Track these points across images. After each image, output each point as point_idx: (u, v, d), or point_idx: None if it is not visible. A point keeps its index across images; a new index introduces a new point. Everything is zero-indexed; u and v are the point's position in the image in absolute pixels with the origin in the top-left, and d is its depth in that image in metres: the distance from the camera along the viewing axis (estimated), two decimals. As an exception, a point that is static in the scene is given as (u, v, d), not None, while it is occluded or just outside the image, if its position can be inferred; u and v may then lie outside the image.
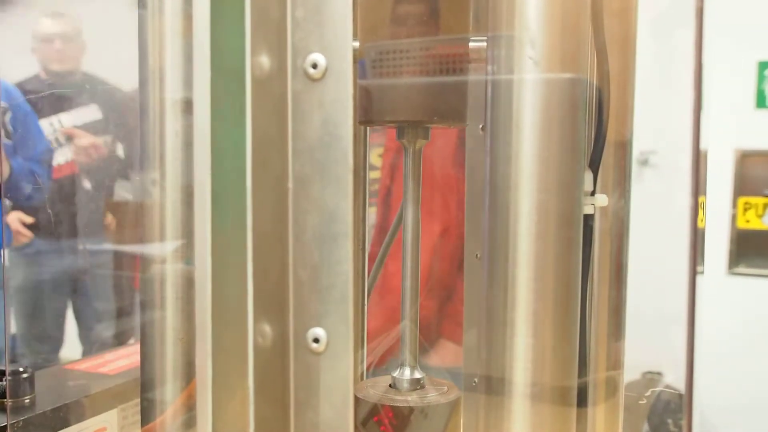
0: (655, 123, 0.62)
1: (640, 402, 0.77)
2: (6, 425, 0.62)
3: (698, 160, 0.41)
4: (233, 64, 0.36)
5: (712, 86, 0.41)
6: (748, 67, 2.54)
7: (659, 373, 0.85)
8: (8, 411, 0.64)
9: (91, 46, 1.84)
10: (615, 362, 0.56)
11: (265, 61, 0.37)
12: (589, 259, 0.47)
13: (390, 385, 0.52)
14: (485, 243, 0.43)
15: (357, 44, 0.47)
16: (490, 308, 0.42)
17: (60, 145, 1.76)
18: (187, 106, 0.42)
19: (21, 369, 0.67)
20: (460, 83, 0.47)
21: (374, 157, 1.18)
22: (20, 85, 1.79)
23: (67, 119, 1.76)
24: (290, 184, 0.38)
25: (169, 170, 0.44)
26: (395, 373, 0.52)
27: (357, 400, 0.50)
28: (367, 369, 0.62)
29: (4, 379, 0.65)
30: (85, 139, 1.71)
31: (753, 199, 2.56)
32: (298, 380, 0.38)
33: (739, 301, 2.48)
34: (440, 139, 0.95)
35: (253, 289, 0.37)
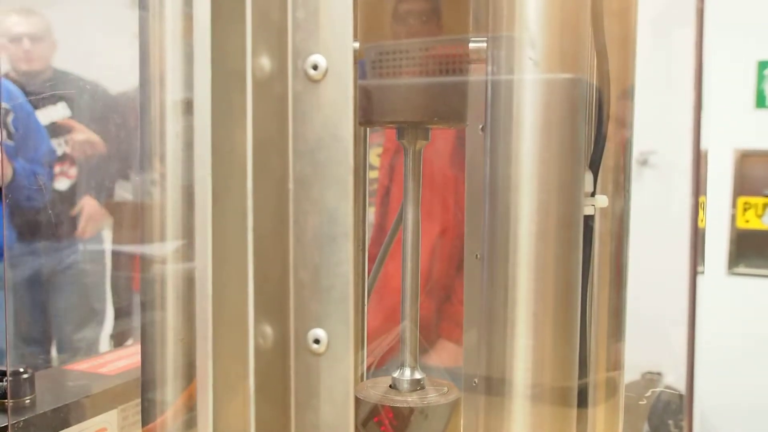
0: (655, 123, 0.62)
1: (640, 402, 0.77)
2: (7, 425, 0.62)
3: (698, 160, 0.41)
4: (234, 65, 0.36)
5: (711, 86, 0.42)
6: (748, 67, 2.54)
7: (659, 374, 0.85)
8: (9, 411, 0.64)
9: (64, 42, 1.81)
10: (615, 363, 0.56)
11: (265, 62, 0.37)
12: (590, 259, 0.47)
13: (390, 386, 0.52)
14: (485, 243, 0.43)
15: (357, 45, 0.48)
16: (490, 309, 0.42)
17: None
18: (188, 107, 0.42)
19: (21, 369, 0.67)
20: (460, 84, 0.47)
21: (372, 156, 1.18)
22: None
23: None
24: (291, 185, 0.38)
25: (170, 171, 0.44)
26: (395, 374, 0.52)
27: (357, 400, 0.50)
28: (368, 369, 0.62)
29: (4, 379, 0.65)
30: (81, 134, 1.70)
31: (753, 199, 2.56)
32: (299, 381, 0.38)
33: (739, 301, 2.48)
34: (440, 139, 0.96)
35: (253, 290, 0.37)
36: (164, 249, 0.45)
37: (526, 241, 0.41)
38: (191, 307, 0.43)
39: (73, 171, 1.73)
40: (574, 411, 0.43)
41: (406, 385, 0.51)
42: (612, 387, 0.56)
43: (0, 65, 1.70)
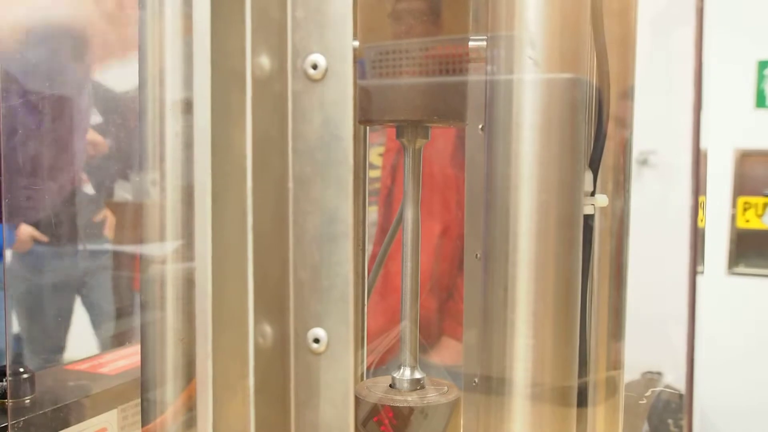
0: (655, 122, 0.62)
1: (640, 402, 0.77)
2: (6, 425, 0.62)
3: (698, 159, 0.41)
4: (233, 64, 0.36)
5: (712, 86, 0.41)
6: (748, 66, 2.54)
7: (659, 373, 0.85)
8: (9, 411, 0.64)
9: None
10: (615, 362, 0.56)
11: (265, 61, 0.37)
12: (589, 259, 0.47)
13: (390, 386, 0.52)
14: (485, 243, 0.43)
15: (357, 44, 0.48)
16: (490, 308, 0.42)
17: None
18: (188, 107, 0.42)
19: (21, 369, 0.67)
20: (459, 83, 0.47)
21: (374, 156, 1.18)
22: None
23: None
24: (290, 185, 0.38)
25: (169, 171, 0.44)
26: (395, 374, 0.52)
27: (357, 400, 0.50)
28: (368, 369, 0.62)
29: (4, 379, 0.65)
30: None
31: (753, 199, 2.56)
32: (299, 380, 0.38)
33: (739, 300, 2.48)
34: (442, 138, 0.96)
35: (253, 290, 0.37)
36: (164, 249, 0.45)
37: (526, 240, 0.41)
38: (191, 307, 0.43)
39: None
40: (574, 410, 0.43)
41: (406, 385, 0.51)
42: (612, 386, 0.56)
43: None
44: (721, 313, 2.28)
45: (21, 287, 1.16)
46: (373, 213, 1.15)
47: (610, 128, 0.51)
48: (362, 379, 0.57)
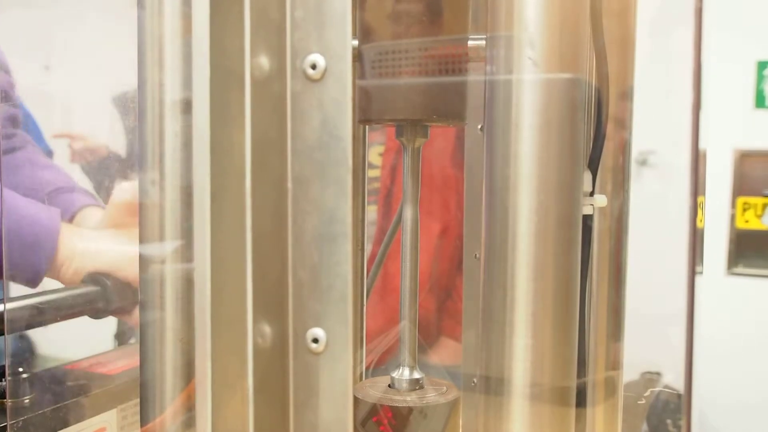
0: (654, 123, 0.62)
1: (639, 402, 0.77)
2: (6, 425, 0.62)
3: (697, 160, 0.41)
4: (232, 64, 0.36)
5: (711, 86, 0.42)
6: (748, 66, 2.54)
7: (658, 373, 0.85)
8: (8, 411, 0.64)
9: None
10: (614, 362, 0.56)
11: (264, 61, 0.37)
12: (588, 259, 0.47)
13: (389, 386, 0.52)
14: (484, 243, 0.43)
15: (356, 44, 0.48)
16: (489, 308, 0.43)
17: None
18: (187, 107, 0.42)
19: (20, 369, 0.67)
20: (458, 83, 0.47)
21: (374, 155, 1.18)
22: None
23: None
24: (289, 185, 0.38)
25: (168, 171, 0.44)
26: (394, 374, 0.52)
27: (356, 400, 0.50)
28: (367, 369, 0.62)
29: (4, 379, 0.65)
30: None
31: (752, 199, 2.56)
32: (298, 380, 0.38)
33: (738, 301, 2.49)
34: (443, 138, 0.96)
35: (252, 290, 0.37)
36: (163, 249, 0.45)
37: (525, 240, 0.41)
38: (190, 307, 0.43)
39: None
40: (573, 410, 0.43)
41: (404, 385, 0.51)
42: (611, 386, 0.56)
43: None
44: (721, 313, 2.28)
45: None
46: (372, 212, 1.15)
47: (610, 128, 0.51)
48: (361, 379, 0.57)
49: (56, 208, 0.76)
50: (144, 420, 0.46)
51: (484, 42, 0.45)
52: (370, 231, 0.61)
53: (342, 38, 0.36)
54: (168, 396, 0.45)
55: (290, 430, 0.38)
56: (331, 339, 0.37)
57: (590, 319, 0.54)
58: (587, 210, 0.46)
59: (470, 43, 0.47)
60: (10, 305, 0.66)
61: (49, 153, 1.72)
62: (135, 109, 0.44)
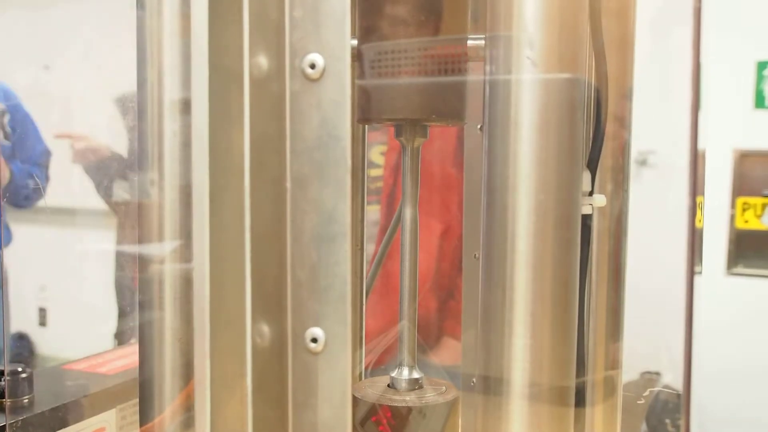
0: (654, 123, 0.62)
1: (639, 402, 0.77)
2: (5, 425, 0.62)
3: (696, 160, 0.41)
4: (231, 64, 0.36)
5: (710, 86, 0.42)
6: (747, 67, 2.54)
7: (657, 373, 0.85)
8: (7, 411, 0.64)
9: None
10: (613, 362, 0.56)
11: (263, 61, 0.37)
12: (588, 259, 0.47)
13: (388, 385, 0.52)
14: (483, 243, 0.43)
15: (355, 43, 0.47)
16: (489, 308, 0.42)
17: None
18: (185, 107, 0.42)
19: (20, 369, 0.67)
20: (458, 82, 0.47)
21: (376, 154, 1.18)
22: None
23: None
24: (288, 185, 0.38)
25: (167, 170, 0.44)
26: (393, 373, 0.52)
27: (355, 400, 0.50)
28: (366, 368, 0.62)
29: (3, 379, 0.65)
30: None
31: (752, 200, 2.56)
32: (296, 380, 0.38)
33: (738, 301, 2.48)
34: (444, 138, 0.96)
35: (251, 290, 0.37)
36: (162, 248, 0.45)
37: (524, 240, 0.41)
38: (189, 307, 0.43)
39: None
40: (572, 410, 0.43)
41: (404, 385, 0.51)
42: (610, 386, 0.56)
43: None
44: (720, 313, 2.28)
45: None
46: (375, 212, 1.15)
47: (609, 128, 0.51)
48: (360, 379, 0.57)
49: None
50: (143, 420, 0.46)
51: (483, 42, 0.45)
52: (372, 230, 0.61)
53: (341, 38, 0.36)
54: (167, 396, 0.45)
55: (289, 430, 0.38)
56: (329, 339, 0.37)
57: (589, 319, 0.54)
58: (586, 210, 0.46)
59: (469, 42, 0.47)
60: None
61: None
62: (134, 108, 0.44)
